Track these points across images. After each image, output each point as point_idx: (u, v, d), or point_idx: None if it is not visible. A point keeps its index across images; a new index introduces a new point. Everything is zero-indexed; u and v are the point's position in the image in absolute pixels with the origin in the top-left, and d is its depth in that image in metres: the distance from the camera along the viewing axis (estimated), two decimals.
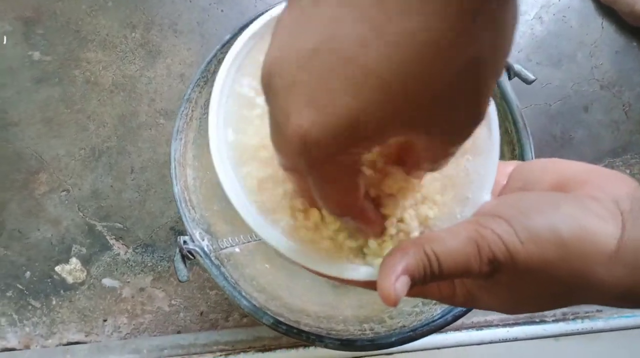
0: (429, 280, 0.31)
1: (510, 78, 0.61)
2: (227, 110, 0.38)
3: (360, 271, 0.35)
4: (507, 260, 0.30)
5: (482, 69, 0.23)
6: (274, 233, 0.35)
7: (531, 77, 0.60)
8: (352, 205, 0.30)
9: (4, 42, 0.96)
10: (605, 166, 0.94)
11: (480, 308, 0.37)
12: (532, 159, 0.59)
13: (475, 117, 0.25)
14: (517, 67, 0.60)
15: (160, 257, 0.85)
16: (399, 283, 0.30)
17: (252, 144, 0.37)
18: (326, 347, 0.54)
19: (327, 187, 0.27)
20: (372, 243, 0.35)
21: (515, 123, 0.59)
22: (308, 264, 0.34)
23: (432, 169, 0.31)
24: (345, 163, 0.25)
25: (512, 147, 0.62)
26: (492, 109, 0.38)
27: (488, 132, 0.38)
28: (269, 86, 0.25)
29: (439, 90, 0.22)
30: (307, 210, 0.35)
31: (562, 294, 0.32)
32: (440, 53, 0.21)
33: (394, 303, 0.29)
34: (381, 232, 0.35)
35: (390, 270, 0.30)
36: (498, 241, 0.30)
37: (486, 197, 0.37)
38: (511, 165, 0.39)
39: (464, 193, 0.37)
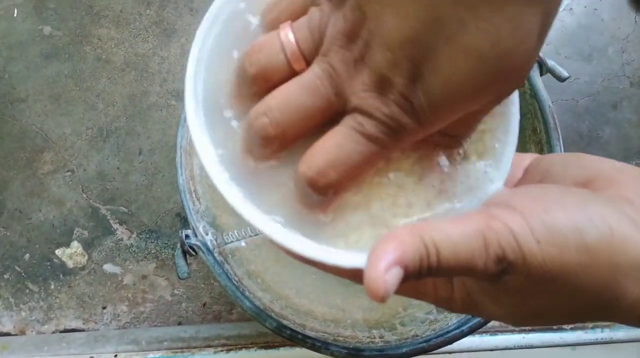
0: (425, 274, 0.27)
1: (542, 74, 0.57)
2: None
3: (345, 256, 0.29)
4: (519, 261, 0.26)
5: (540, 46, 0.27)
6: (234, 192, 0.30)
7: (565, 74, 0.56)
8: (355, 176, 0.29)
9: (15, 15, 0.93)
10: None
11: (481, 316, 0.33)
12: None
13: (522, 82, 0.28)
14: (550, 63, 0.55)
15: (165, 244, 0.82)
16: (390, 275, 0.25)
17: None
18: (332, 355, 0.51)
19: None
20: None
21: (545, 123, 0.55)
22: (278, 237, 0.29)
23: (459, 138, 0.31)
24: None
25: (540, 148, 0.58)
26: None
27: (506, 113, 0.33)
28: None
29: (518, 65, 0.26)
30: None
31: (581, 308, 0.28)
32: (525, 39, 0.25)
33: (382, 299, 0.25)
34: (325, 211, 0.31)
35: (381, 257, 0.26)
36: (509, 237, 0.26)
37: (498, 184, 0.32)
38: (528, 158, 0.34)
39: (470, 181, 0.32)
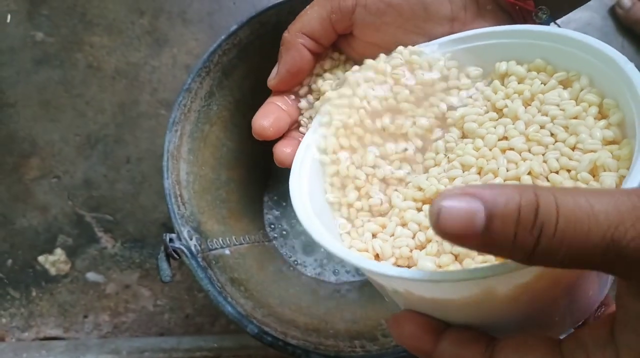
0: (526, 244, 0.19)
1: None
2: None
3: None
4: None
5: None
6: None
7: None
8: None
9: (8, 21, 0.93)
10: None
11: None
12: None
13: None
14: None
15: (150, 253, 0.82)
16: (459, 202, 0.19)
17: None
18: None
19: None
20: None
21: None
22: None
23: None
24: None
25: None
26: None
27: None
28: None
29: None
30: None
31: None
32: None
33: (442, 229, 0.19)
34: None
35: (459, 189, 0.19)
36: None
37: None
38: None
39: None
